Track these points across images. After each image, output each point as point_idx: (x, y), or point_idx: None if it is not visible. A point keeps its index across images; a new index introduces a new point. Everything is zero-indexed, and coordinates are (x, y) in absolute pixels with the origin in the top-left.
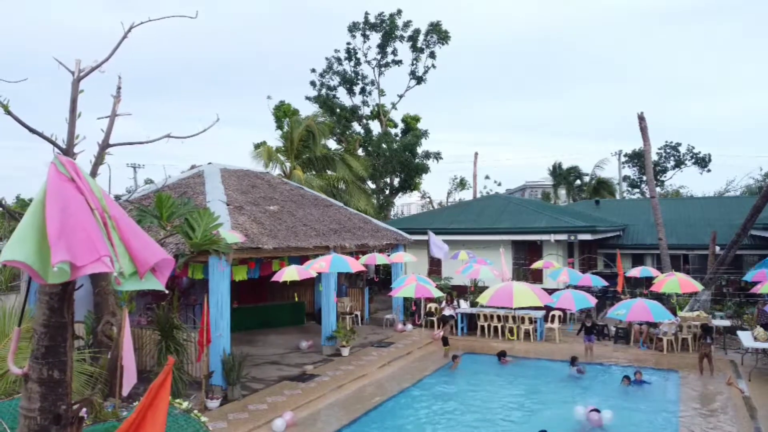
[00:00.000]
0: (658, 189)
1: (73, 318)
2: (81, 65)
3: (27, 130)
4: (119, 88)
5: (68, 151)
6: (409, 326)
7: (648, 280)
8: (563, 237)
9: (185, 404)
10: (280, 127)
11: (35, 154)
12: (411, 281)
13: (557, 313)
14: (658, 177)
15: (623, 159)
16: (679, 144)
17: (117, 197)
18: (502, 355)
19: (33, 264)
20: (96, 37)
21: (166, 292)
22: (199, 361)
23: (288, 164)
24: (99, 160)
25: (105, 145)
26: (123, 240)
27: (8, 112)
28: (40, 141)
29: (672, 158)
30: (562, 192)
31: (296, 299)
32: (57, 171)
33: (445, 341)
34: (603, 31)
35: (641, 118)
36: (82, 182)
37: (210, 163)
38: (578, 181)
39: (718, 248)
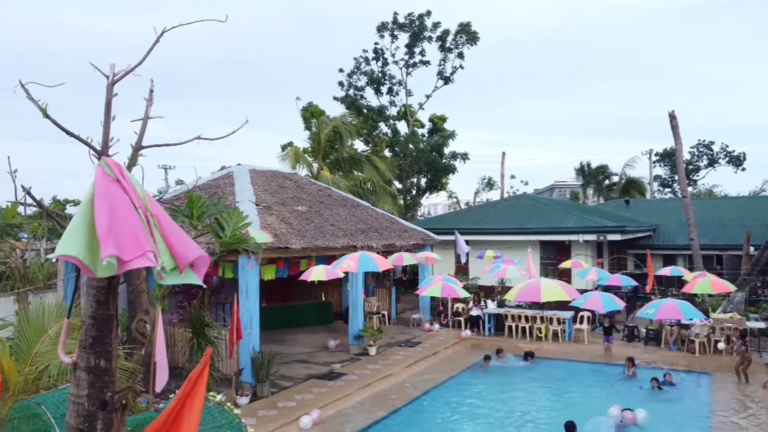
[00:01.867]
0: (690, 188)
1: (117, 311)
2: (115, 69)
3: (64, 132)
4: (151, 91)
5: (103, 153)
6: (436, 326)
7: (679, 280)
8: (592, 237)
9: (219, 397)
10: (308, 128)
11: (71, 157)
12: (438, 281)
13: (586, 314)
14: (691, 176)
15: (654, 158)
16: (712, 142)
17: None
18: (529, 355)
19: (84, 259)
20: (128, 40)
21: (204, 287)
22: (232, 357)
23: (315, 165)
24: (132, 161)
25: (138, 147)
26: (164, 237)
27: (46, 116)
28: (75, 143)
29: (705, 157)
30: (591, 192)
31: (323, 299)
32: (104, 172)
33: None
34: (634, 28)
35: (672, 117)
36: (126, 182)
37: (239, 164)
38: (607, 181)
39: (752, 249)
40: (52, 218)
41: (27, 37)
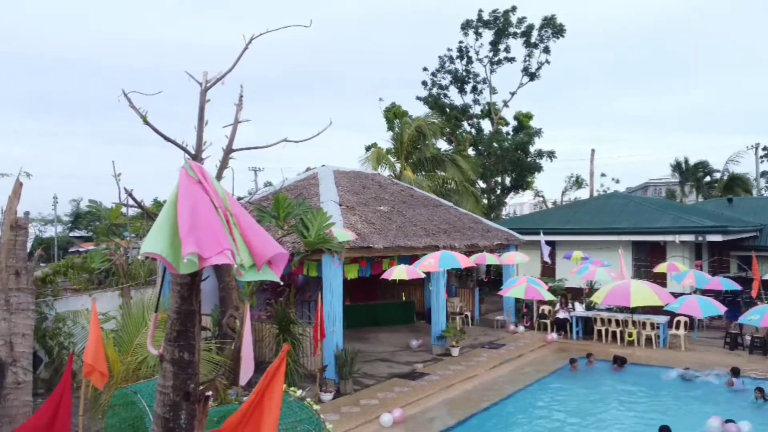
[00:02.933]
0: None
1: (200, 306)
2: (207, 76)
3: (162, 138)
4: (241, 96)
5: (197, 156)
6: (521, 328)
7: None
8: (689, 238)
9: (299, 392)
10: (391, 128)
11: (169, 160)
12: (522, 282)
13: (683, 318)
14: None
15: (761, 152)
16: None
17: (239, 199)
18: (622, 361)
19: (167, 256)
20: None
21: (281, 283)
22: (316, 355)
23: (398, 165)
24: (224, 164)
25: (229, 150)
26: (243, 235)
27: (146, 122)
28: (171, 147)
29: None
30: (689, 189)
31: (405, 298)
32: (187, 174)
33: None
34: (735, 14)
35: None
36: (208, 184)
37: (323, 166)
38: (708, 178)
39: None
40: (152, 219)
41: (116, 49)
